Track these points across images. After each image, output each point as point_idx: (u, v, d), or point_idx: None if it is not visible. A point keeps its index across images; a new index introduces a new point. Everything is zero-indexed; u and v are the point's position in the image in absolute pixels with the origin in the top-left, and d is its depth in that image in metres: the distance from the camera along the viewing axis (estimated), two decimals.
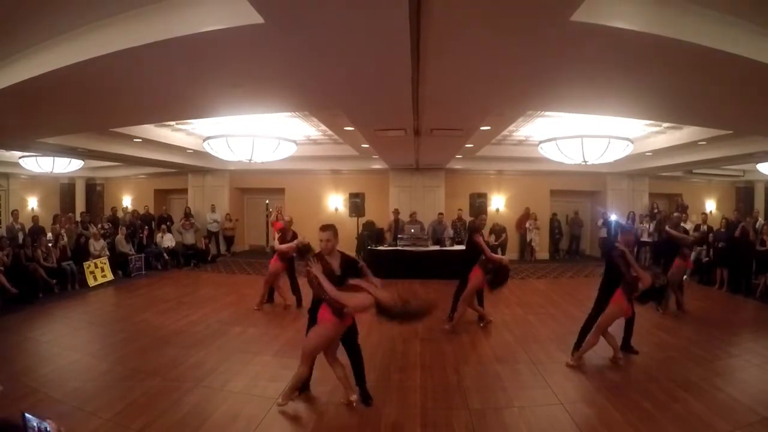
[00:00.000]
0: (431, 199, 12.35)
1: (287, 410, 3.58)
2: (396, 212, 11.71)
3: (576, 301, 7.11)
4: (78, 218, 10.98)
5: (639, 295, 4.63)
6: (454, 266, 7.32)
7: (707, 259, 9.22)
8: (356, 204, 10.82)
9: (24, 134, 7.09)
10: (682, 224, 7.75)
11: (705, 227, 9.59)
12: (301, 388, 3.72)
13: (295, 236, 6.78)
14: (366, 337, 5.45)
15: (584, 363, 4.64)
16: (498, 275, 5.68)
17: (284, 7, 2.55)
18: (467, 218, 11.17)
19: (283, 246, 6.64)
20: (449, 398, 3.86)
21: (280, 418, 3.50)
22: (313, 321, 3.56)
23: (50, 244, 8.44)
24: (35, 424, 1.51)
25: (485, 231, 7.60)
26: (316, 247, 3.64)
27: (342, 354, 3.77)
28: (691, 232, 8.99)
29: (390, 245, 10.52)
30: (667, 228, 7.03)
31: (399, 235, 10.65)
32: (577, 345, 4.70)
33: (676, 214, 8.09)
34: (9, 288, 6.86)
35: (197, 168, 12.46)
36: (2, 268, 7.02)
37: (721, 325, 6.04)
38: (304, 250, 6.62)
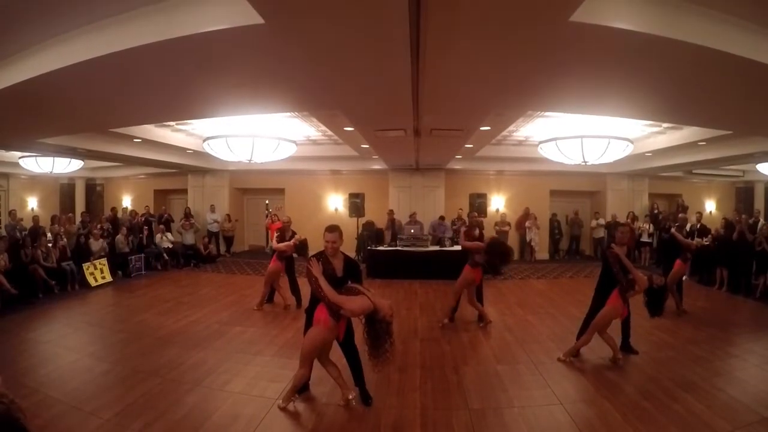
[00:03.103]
0: (431, 200, 12.35)
1: (287, 411, 3.59)
2: (390, 213, 11.73)
3: (576, 301, 7.11)
4: (78, 218, 10.99)
5: (646, 304, 4.63)
6: (454, 266, 7.32)
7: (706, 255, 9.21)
8: (356, 204, 10.83)
9: (24, 134, 7.09)
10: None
11: (698, 225, 9.59)
12: (301, 388, 3.73)
13: (294, 235, 6.81)
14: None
15: (584, 363, 4.65)
16: (490, 258, 5.71)
17: (284, 7, 2.55)
18: (466, 218, 11.21)
19: (282, 244, 6.67)
20: (449, 398, 3.86)
21: (280, 418, 3.50)
22: (310, 321, 3.56)
23: (50, 244, 8.44)
24: None
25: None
26: (320, 247, 3.63)
27: (339, 355, 3.77)
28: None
29: (389, 245, 10.53)
30: (673, 231, 7.01)
31: (399, 236, 10.67)
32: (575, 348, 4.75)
33: (681, 215, 8.06)
34: (9, 289, 6.86)
35: (197, 168, 12.46)
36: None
37: (721, 325, 6.04)
38: (302, 247, 6.69)
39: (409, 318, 6.41)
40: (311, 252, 4.16)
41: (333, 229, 3.56)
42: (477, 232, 6.11)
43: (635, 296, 4.64)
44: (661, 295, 4.68)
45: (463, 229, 5.97)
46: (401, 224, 11.40)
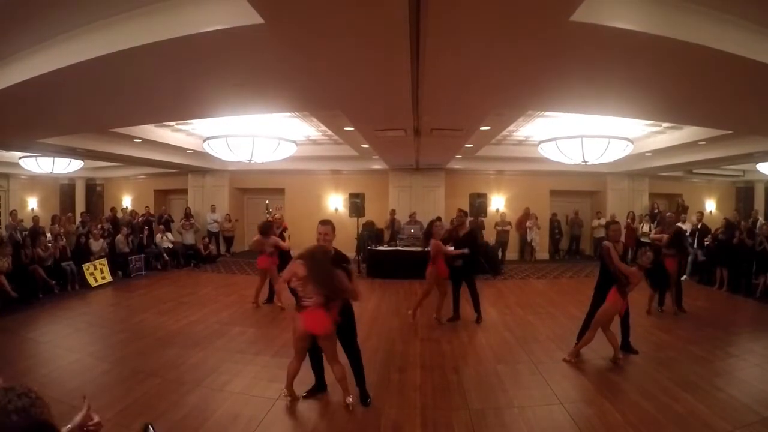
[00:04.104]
0: (431, 199, 12.35)
1: (287, 410, 3.60)
2: (393, 213, 11.74)
3: (576, 301, 7.10)
4: (78, 218, 11.00)
5: (651, 285, 4.56)
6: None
7: (703, 259, 9.24)
8: (356, 204, 10.81)
9: (24, 134, 7.09)
10: (680, 224, 7.71)
11: (699, 225, 9.61)
12: (317, 388, 3.82)
13: (283, 232, 6.91)
14: (366, 338, 5.46)
15: (584, 363, 4.65)
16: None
17: (284, 7, 2.55)
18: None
19: (254, 240, 6.84)
20: (449, 398, 3.86)
21: (280, 418, 3.51)
22: None
23: (49, 244, 8.44)
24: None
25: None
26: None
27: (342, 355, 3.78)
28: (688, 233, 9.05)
29: (390, 245, 10.53)
30: (652, 234, 7.02)
31: (399, 236, 10.65)
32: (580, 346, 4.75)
33: (669, 213, 8.05)
34: (9, 291, 6.85)
35: (197, 168, 12.46)
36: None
37: (721, 325, 6.04)
38: (265, 227, 6.87)
39: (410, 318, 6.41)
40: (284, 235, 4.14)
41: (326, 222, 3.72)
42: (461, 231, 6.27)
43: (635, 291, 4.62)
44: (658, 272, 4.61)
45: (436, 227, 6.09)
46: (400, 224, 11.40)
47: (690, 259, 9.47)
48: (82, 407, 1.53)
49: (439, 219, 11.36)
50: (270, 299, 7.08)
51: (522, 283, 9.28)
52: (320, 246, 3.51)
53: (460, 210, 6.71)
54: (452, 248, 6.09)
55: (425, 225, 11.25)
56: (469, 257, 6.14)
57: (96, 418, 1.54)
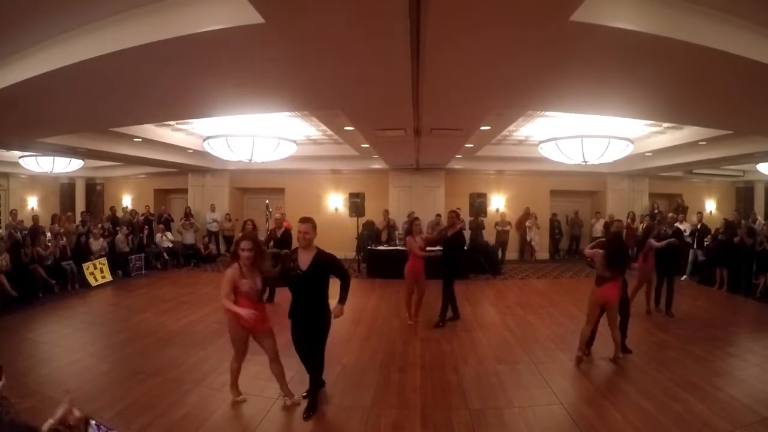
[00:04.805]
0: (431, 199, 12.33)
1: (286, 410, 3.61)
2: (386, 213, 11.77)
3: (576, 301, 7.11)
4: (78, 217, 11.00)
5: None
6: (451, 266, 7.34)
7: (703, 259, 9.25)
8: (356, 204, 10.80)
9: (24, 134, 7.08)
10: (677, 225, 7.69)
11: (699, 225, 9.63)
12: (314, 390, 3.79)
13: (284, 232, 6.95)
14: (366, 338, 5.48)
15: (584, 362, 4.65)
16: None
17: (285, 7, 2.55)
18: (466, 218, 11.17)
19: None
20: (449, 398, 3.86)
21: (280, 418, 3.51)
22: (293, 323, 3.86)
23: (49, 243, 8.44)
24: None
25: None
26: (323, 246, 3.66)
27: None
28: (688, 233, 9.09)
29: (389, 245, 10.52)
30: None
31: (399, 235, 10.64)
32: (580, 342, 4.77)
33: (670, 214, 8.06)
34: (9, 291, 6.85)
35: (197, 168, 12.46)
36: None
37: (721, 325, 6.04)
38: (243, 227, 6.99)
39: (408, 320, 6.41)
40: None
41: (306, 220, 3.61)
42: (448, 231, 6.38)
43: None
44: (618, 244, 4.71)
45: (411, 239, 6.24)
46: (395, 223, 11.41)
47: (690, 258, 9.50)
48: (65, 402, 1.48)
49: (438, 216, 11.40)
50: (271, 298, 7.07)
51: (522, 283, 9.28)
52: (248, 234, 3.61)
53: (451, 211, 6.79)
54: (439, 248, 6.25)
55: (424, 225, 11.27)
56: (451, 258, 6.22)
57: (77, 413, 1.45)
